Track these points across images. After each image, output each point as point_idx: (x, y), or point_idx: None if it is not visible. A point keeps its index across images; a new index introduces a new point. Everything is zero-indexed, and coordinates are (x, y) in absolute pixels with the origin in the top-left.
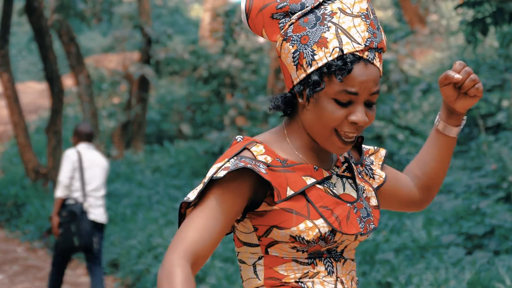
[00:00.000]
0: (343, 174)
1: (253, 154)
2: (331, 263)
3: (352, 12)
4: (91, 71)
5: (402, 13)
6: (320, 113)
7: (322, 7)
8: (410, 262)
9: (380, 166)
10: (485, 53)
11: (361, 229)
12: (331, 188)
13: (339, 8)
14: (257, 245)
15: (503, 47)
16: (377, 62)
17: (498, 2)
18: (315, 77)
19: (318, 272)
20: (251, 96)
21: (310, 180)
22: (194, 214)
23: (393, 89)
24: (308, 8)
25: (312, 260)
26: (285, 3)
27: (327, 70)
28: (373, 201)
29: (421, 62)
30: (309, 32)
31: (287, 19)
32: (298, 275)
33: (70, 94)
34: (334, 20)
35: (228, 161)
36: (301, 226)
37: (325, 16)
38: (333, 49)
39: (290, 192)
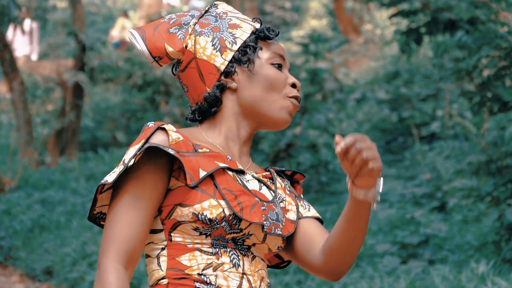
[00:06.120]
0: (261, 178)
1: (167, 132)
2: (237, 255)
3: (235, 12)
4: (25, 77)
5: (336, 22)
6: (266, 80)
7: (209, 11)
8: None
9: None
10: (419, 62)
11: (265, 224)
12: (241, 179)
13: (224, 11)
14: (160, 230)
15: (437, 56)
16: None
17: (432, 12)
18: (250, 43)
19: (222, 264)
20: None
21: (221, 165)
22: (118, 209)
23: (328, 98)
24: (200, 12)
25: (217, 250)
26: (175, 19)
27: (255, 38)
28: (292, 215)
29: (356, 71)
30: (216, 24)
31: (182, 30)
32: (202, 265)
33: (4, 100)
34: (230, 15)
35: (142, 145)
36: (205, 203)
37: (221, 14)
38: (248, 27)
39: (202, 173)
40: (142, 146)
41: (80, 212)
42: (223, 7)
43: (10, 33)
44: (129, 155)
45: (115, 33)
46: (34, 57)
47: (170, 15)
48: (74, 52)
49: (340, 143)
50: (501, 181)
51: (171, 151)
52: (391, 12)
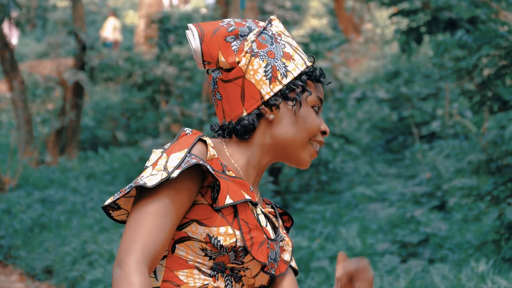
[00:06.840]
0: (267, 213)
1: (206, 146)
2: (231, 282)
3: (287, 35)
4: (25, 77)
5: (337, 21)
6: (304, 122)
7: (266, 29)
8: None
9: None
10: (419, 62)
11: (267, 263)
12: (256, 214)
13: (278, 31)
14: None
15: (438, 56)
16: None
17: (432, 11)
18: (299, 83)
19: (217, 287)
20: (186, 103)
21: (247, 196)
22: (149, 212)
23: (328, 97)
24: (259, 29)
25: (215, 273)
26: (234, 27)
27: (306, 78)
28: (287, 256)
29: (356, 71)
30: (272, 48)
31: (238, 41)
32: (198, 284)
33: (4, 100)
34: (284, 39)
35: (186, 156)
36: (222, 229)
37: (275, 36)
38: (300, 62)
39: (229, 200)
40: (185, 156)
41: (80, 211)
42: (276, 25)
43: None
44: (172, 163)
45: (108, 34)
46: (14, 41)
47: (228, 21)
48: (74, 51)
49: (341, 271)
50: (501, 180)
51: (213, 172)
52: (392, 11)
